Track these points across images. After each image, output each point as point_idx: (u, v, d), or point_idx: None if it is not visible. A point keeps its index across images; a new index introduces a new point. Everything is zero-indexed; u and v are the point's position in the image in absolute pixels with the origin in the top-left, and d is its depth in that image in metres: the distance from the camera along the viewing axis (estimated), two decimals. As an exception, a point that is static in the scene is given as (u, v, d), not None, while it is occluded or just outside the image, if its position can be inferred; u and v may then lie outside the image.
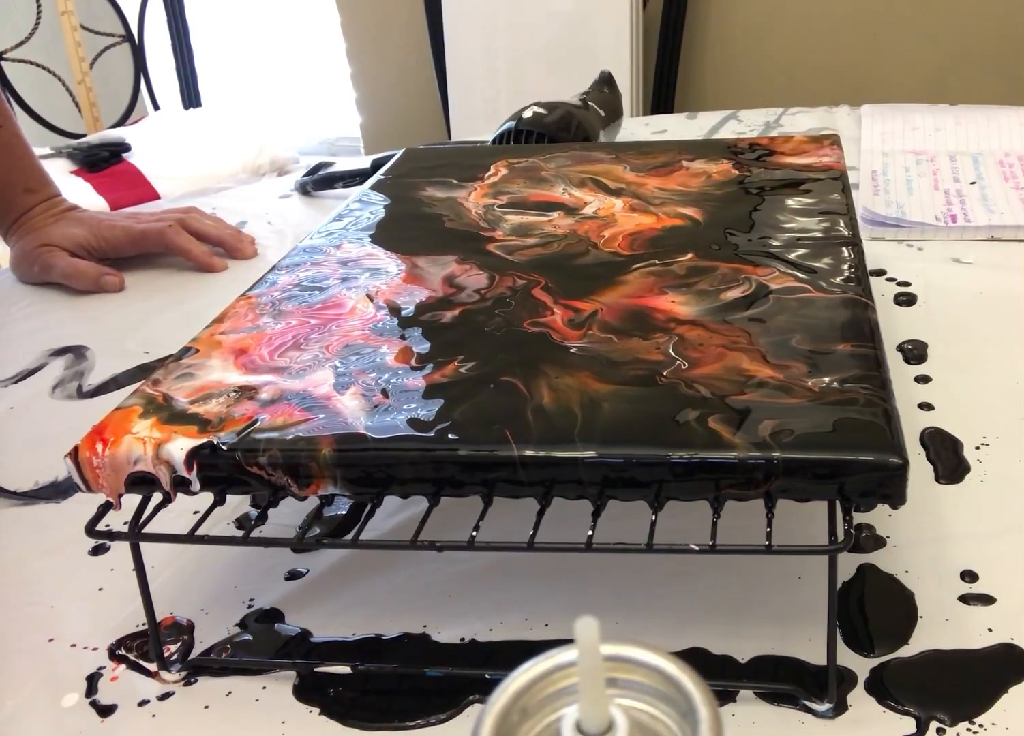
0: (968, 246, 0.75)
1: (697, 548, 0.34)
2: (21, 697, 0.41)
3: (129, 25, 2.21)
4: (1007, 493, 0.47)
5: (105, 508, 0.39)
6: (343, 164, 1.05)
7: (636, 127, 1.14)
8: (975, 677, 0.37)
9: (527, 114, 0.91)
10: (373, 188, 0.66)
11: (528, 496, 0.36)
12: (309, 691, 0.40)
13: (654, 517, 0.35)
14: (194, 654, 0.42)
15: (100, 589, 0.47)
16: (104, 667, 0.42)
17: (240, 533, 0.48)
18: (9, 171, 0.86)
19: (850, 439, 0.34)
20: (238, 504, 0.50)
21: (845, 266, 0.48)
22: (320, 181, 1.00)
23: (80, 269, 0.83)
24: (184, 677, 0.41)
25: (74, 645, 0.43)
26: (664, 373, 0.39)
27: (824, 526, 0.35)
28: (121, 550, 0.48)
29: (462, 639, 0.41)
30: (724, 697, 0.37)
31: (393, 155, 0.74)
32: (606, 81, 1.02)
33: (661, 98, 1.99)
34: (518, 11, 1.94)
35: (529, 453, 0.35)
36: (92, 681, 0.41)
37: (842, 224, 0.53)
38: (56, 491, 0.55)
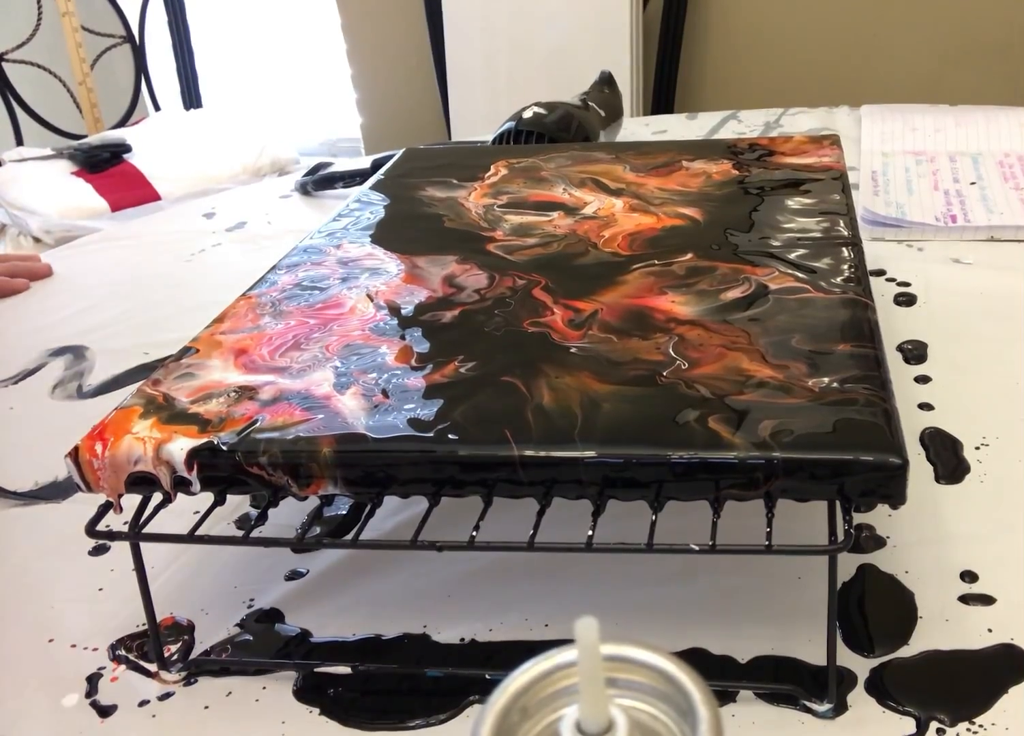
0: (968, 246, 0.75)
1: (697, 548, 0.34)
2: (21, 697, 0.41)
3: (130, 26, 2.21)
4: (1007, 493, 0.47)
5: (105, 508, 0.39)
6: (343, 164, 1.05)
7: (636, 127, 1.14)
8: (975, 677, 0.37)
9: (527, 114, 0.91)
10: (373, 188, 0.66)
11: (528, 496, 0.36)
12: (309, 691, 0.40)
13: (654, 517, 0.35)
14: (194, 654, 0.42)
15: (100, 589, 0.47)
16: (104, 667, 0.42)
17: (240, 533, 0.48)
18: None
19: (850, 439, 0.34)
20: (238, 504, 0.51)
21: (845, 266, 0.48)
22: (320, 181, 1.01)
23: None
24: (184, 677, 0.41)
25: (74, 645, 0.43)
26: (664, 373, 0.39)
27: (824, 526, 0.35)
28: (121, 550, 0.48)
29: (462, 639, 0.41)
30: (724, 697, 0.37)
31: (393, 155, 0.75)
32: (606, 81, 1.02)
33: (661, 98, 1.99)
34: (518, 11, 1.94)
35: (529, 453, 0.35)
36: (92, 681, 0.41)
37: (842, 224, 0.53)
38: (56, 491, 0.55)
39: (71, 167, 1.79)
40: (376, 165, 0.92)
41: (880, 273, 0.71)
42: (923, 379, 0.58)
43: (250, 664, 0.41)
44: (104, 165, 1.79)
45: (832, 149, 0.64)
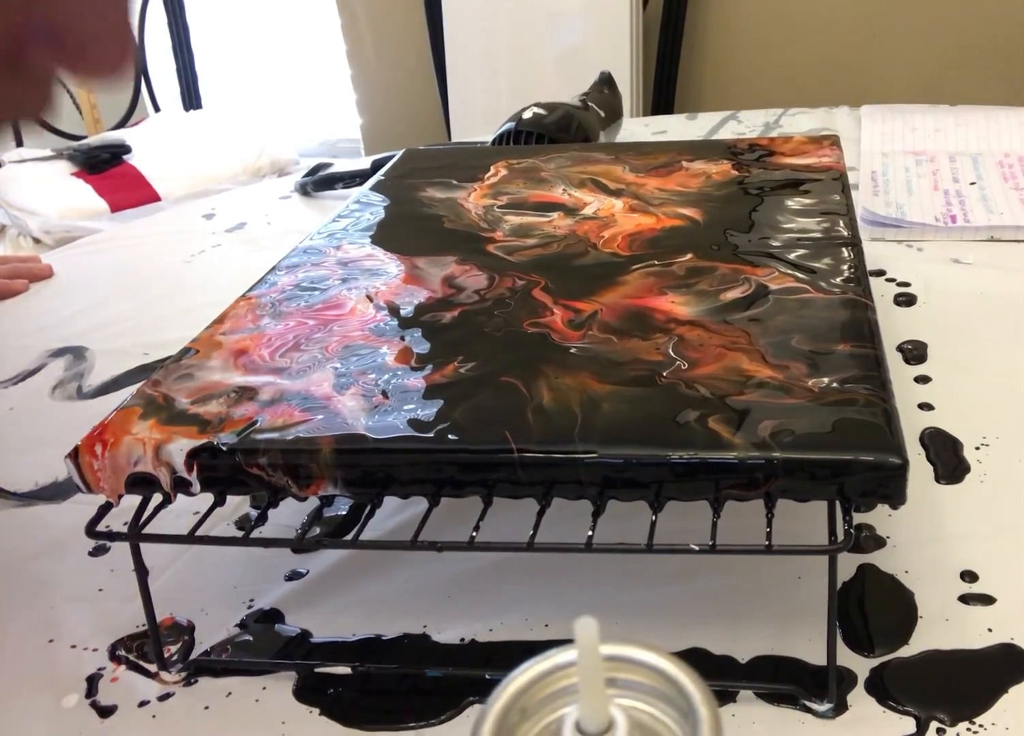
0: (968, 247, 0.75)
1: (697, 548, 0.34)
2: (21, 697, 0.41)
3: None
4: (1007, 493, 0.47)
5: (105, 509, 0.39)
6: (343, 165, 1.05)
7: (636, 128, 1.14)
8: (975, 677, 0.37)
9: (527, 115, 0.91)
10: (373, 189, 0.66)
11: (528, 496, 0.36)
12: (309, 692, 0.40)
13: (654, 517, 0.35)
14: (194, 655, 0.42)
15: (100, 589, 0.47)
16: (104, 668, 0.42)
17: (240, 533, 0.48)
18: None
19: (850, 439, 0.34)
20: (238, 504, 0.50)
21: (845, 266, 0.48)
22: (320, 182, 1.01)
23: None
24: (184, 678, 0.41)
25: (74, 646, 0.43)
26: (664, 373, 0.39)
27: (824, 526, 0.35)
28: (121, 550, 0.48)
29: (462, 639, 0.41)
30: (724, 697, 0.37)
31: (393, 156, 0.75)
32: (606, 81, 1.02)
33: (661, 99, 1.99)
34: (518, 11, 1.94)
35: (529, 453, 0.35)
36: (92, 682, 0.41)
37: (842, 224, 0.53)
38: (56, 492, 0.55)
39: (71, 168, 1.79)
40: (376, 166, 0.92)
41: (880, 273, 0.71)
42: (923, 379, 0.58)
43: (250, 664, 0.41)
44: (104, 166, 1.79)
45: (832, 149, 0.64)
